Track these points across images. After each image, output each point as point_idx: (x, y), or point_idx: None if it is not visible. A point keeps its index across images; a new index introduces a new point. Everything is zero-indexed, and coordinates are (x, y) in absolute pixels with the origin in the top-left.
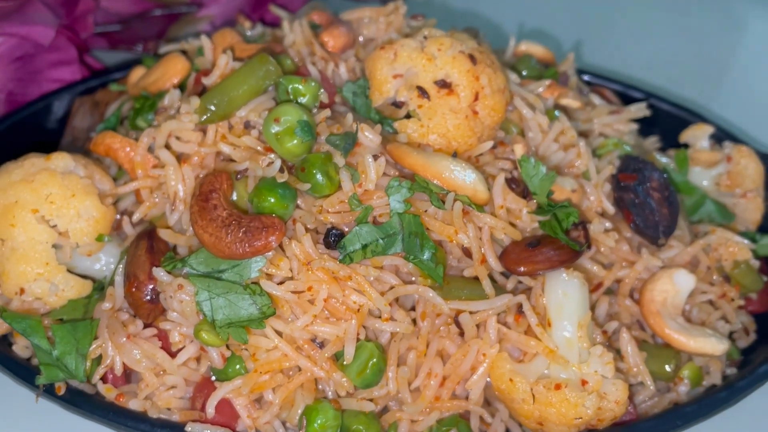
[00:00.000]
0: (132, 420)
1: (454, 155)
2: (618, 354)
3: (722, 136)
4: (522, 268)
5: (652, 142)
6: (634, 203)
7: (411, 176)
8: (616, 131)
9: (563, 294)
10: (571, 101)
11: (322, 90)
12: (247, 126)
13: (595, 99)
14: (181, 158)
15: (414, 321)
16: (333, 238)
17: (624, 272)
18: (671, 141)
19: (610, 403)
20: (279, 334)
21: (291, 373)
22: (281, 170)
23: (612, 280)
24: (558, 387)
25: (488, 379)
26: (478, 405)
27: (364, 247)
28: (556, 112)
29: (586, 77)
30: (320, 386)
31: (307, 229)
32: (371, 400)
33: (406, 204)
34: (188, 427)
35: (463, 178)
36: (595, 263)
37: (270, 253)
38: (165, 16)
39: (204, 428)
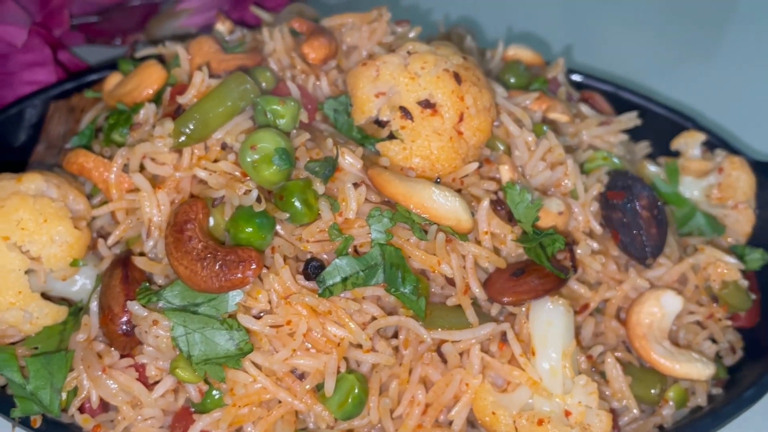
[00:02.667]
0: None
1: (438, 180)
2: (603, 377)
3: (715, 142)
4: (506, 299)
5: (643, 147)
6: (622, 223)
7: (393, 204)
8: (606, 143)
9: (547, 323)
10: (560, 116)
11: (302, 110)
12: (224, 148)
13: (585, 109)
14: (156, 181)
15: (396, 348)
16: (312, 270)
17: (611, 293)
18: (663, 145)
19: None
20: (258, 367)
21: (270, 405)
22: (258, 199)
23: (598, 301)
24: (540, 422)
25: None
26: None
27: (345, 279)
28: (544, 128)
29: (575, 77)
30: (301, 416)
31: (285, 259)
32: (351, 431)
33: (388, 234)
34: None
35: (447, 207)
36: (581, 284)
37: (248, 286)
38: (144, 7)
39: None
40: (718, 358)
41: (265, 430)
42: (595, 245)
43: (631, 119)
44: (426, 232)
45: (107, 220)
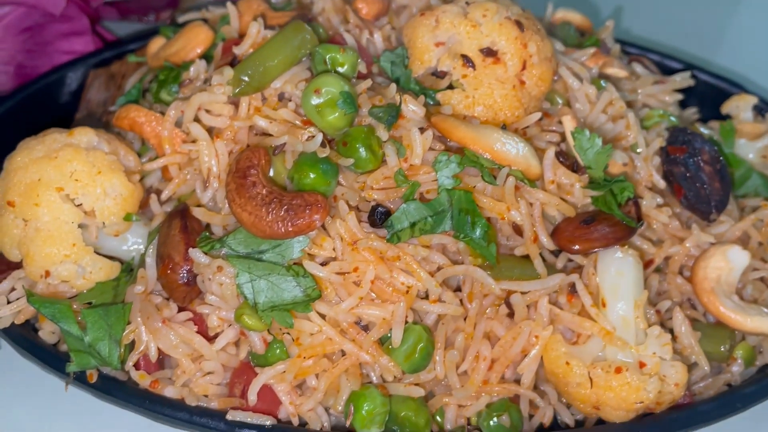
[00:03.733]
0: (169, 408)
1: (503, 128)
2: (671, 334)
3: (766, 107)
4: (576, 246)
5: (692, 113)
6: (685, 177)
7: (459, 150)
8: (661, 102)
9: (617, 273)
10: (617, 70)
11: (360, 59)
12: (282, 98)
13: (638, 68)
14: (212, 133)
15: (461, 302)
16: (379, 216)
17: (675, 248)
18: (710, 113)
19: (669, 386)
20: (322, 317)
21: (335, 358)
22: (323, 144)
23: (663, 257)
24: (619, 370)
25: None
26: (529, 389)
27: (413, 225)
28: (603, 82)
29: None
30: (365, 371)
31: (350, 207)
32: (418, 385)
33: (456, 179)
34: (229, 415)
35: (516, 151)
36: (644, 240)
37: (313, 232)
38: None
39: (246, 416)
40: None
41: (330, 382)
42: (660, 199)
43: (685, 79)
44: (495, 177)
45: (157, 179)
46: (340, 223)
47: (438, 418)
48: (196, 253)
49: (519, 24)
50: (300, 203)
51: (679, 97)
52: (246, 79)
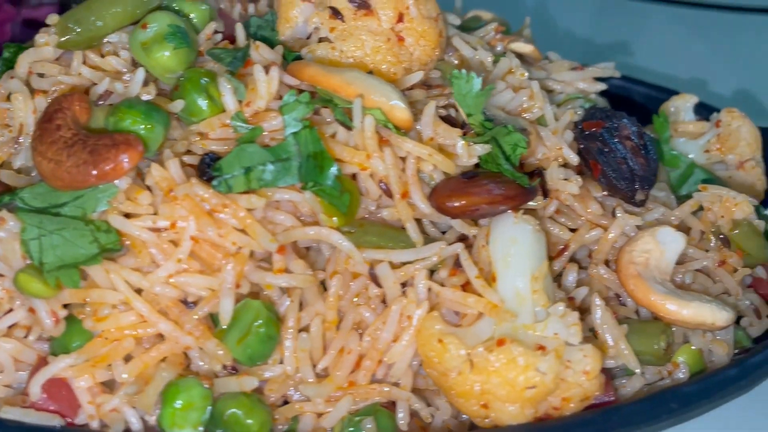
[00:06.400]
0: None
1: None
2: (592, 332)
3: (707, 110)
4: (455, 203)
5: None
6: (602, 152)
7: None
8: (579, 90)
9: (510, 240)
10: (521, 45)
11: (217, 19)
12: (115, 51)
13: (554, 55)
14: (34, 93)
15: (323, 284)
16: (208, 163)
17: (593, 234)
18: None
19: (576, 374)
20: (138, 293)
21: (153, 342)
22: (146, 84)
23: (579, 243)
24: (501, 342)
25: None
26: (406, 389)
27: (248, 171)
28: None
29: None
30: (195, 367)
31: (177, 156)
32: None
33: (304, 123)
34: (2, 413)
35: (376, 86)
36: (557, 225)
37: (124, 182)
38: None
39: (25, 414)
40: (741, 328)
41: (140, 371)
42: (571, 174)
43: (608, 68)
44: (351, 119)
45: None
46: (155, 168)
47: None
48: None
49: None
50: (107, 143)
51: (601, 86)
52: (74, 27)
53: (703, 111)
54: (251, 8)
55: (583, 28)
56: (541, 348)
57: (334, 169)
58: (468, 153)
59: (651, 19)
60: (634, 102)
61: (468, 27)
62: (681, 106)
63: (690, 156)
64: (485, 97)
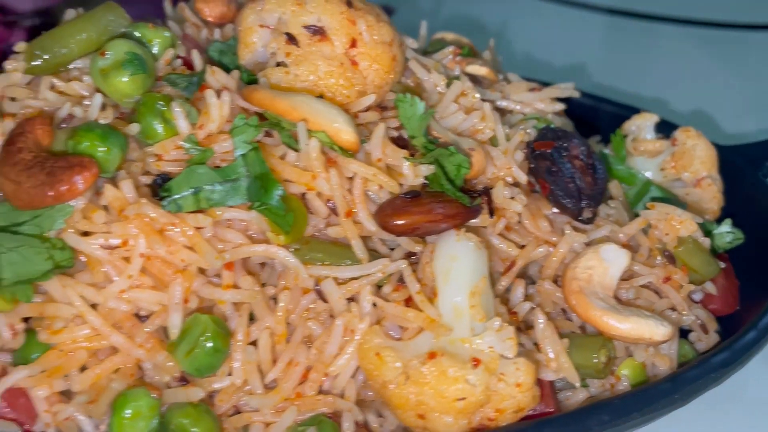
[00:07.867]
0: None
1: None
2: (536, 346)
3: (668, 128)
4: (397, 221)
5: (595, 141)
6: (550, 171)
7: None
8: (537, 111)
9: (451, 257)
10: (476, 67)
11: (179, 43)
12: (80, 77)
13: (514, 77)
14: (3, 116)
15: (274, 299)
16: (159, 183)
17: (540, 250)
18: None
19: (509, 387)
20: (93, 308)
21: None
22: (105, 109)
23: (526, 259)
24: (432, 356)
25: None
26: (350, 400)
27: (197, 191)
28: (459, 77)
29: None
30: (148, 378)
31: (133, 178)
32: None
33: (253, 146)
34: None
35: (320, 110)
36: (506, 242)
37: (80, 202)
38: None
39: None
40: (687, 342)
41: (93, 382)
42: (516, 191)
43: (567, 88)
44: (297, 141)
45: None
46: (108, 188)
47: None
48: None
49: (348, 1)
50: (63, 165)
51: (560, 106)
52: (41, 54)
53: (667, 129)
54: (217, 33)
55: (557, 48)
56: (476, 361)
57: (278, 190)
58: (414, 173)
59: (627, 36)
60: (600, 120)
61: (433, 49)
62: (641, 125)
63: (647, 174)
64: (427, 120)
